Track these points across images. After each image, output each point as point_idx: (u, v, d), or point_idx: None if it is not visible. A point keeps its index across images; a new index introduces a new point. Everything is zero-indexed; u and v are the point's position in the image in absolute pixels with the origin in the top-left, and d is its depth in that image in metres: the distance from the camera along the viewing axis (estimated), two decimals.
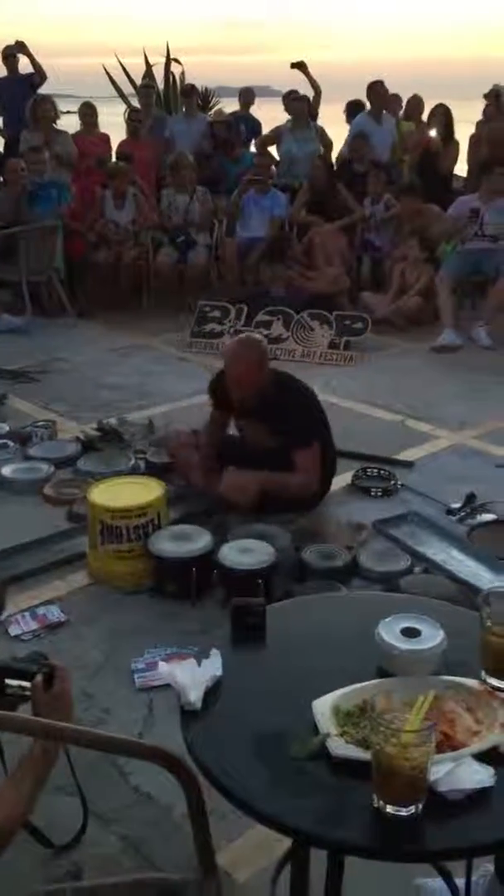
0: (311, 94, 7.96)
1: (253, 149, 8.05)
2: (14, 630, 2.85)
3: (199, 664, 1.46)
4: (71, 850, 2.05)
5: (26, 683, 1.59)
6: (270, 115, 8.41)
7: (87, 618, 2.96)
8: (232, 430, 3.79)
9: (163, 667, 1.47)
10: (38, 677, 1.57)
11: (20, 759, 1.55)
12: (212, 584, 3.04)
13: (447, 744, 1.28)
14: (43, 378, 5.39)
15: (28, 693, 1.59)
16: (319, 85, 8.06)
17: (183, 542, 3.07)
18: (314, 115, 8.01)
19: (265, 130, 8.25)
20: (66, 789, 2.10)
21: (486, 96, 7.70)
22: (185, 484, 3.72)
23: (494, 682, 1.42)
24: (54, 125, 7.35)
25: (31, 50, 7.72)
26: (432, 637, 1.47)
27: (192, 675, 1.41)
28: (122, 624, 2.92)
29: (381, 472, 3.95)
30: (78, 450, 4.21)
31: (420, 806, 1.18)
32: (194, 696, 1.38)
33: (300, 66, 7.96)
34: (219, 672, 1.44)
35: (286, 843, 1.80)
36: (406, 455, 4.24)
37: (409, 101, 8.11)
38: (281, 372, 3.56)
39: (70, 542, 3.39)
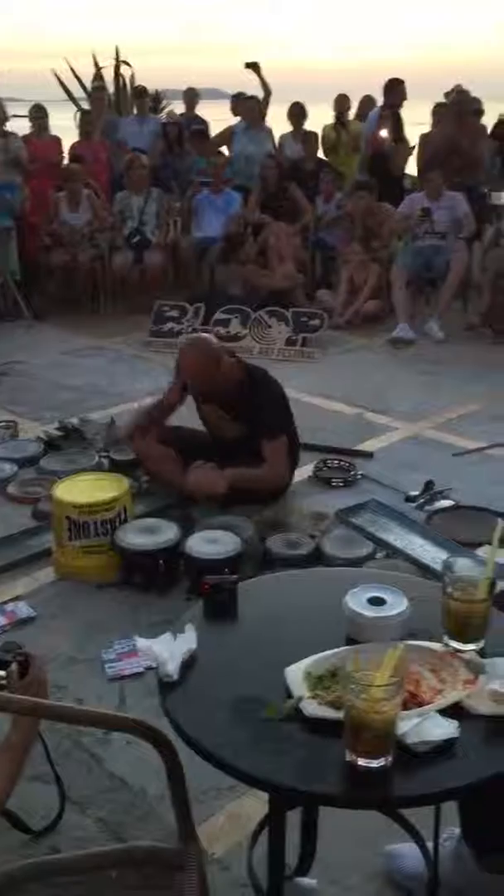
0: (261, 94, 8.04)
1: None
2: None
3: (175, 638, 1.51)
4: (48, 834, 2.08)
5: (1, 672, 1.62)
6: (218, 117, 8.47)
7: (55, 613, 2.99)
8: (184, 423, 3.83)
9: (140, 642, 1.52)
10: (13, 666, 1.60)
11: None
12: (179, 575, 3.09)
13: (413, 702, 1.35)
14: (1, 380, 5.39)
15: (3, 682, 1.62)
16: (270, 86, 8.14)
17: (150, 534, 3.11)
18: (263, 117, 8.09)
19: (213, 132, 8.30)
20: (43, 777, 2.14)
21: (446, 94, 7.80)
22: (148, 479, 3.76)
23: (456, 644, 1.49)
24: (3, 127, 7.31)
25: None
26: (397, 604, 1.54)
27: (168, 648, 1.47)
28: (91, 617, 2.95)
29: (342, 463, 4.04)
30: (40, 449, 4.22)
31: (390, 758, 1.25)
32: (171, 667, 1.43)
33: (253, 66, 8.02)
34: (194, 645, 1.50)
35: (259, 817, 1.86)
36: (365, 446, 4.34)
37: (361, 101, 8.23)
38: (251, 365, 3.62)
39: (36, 540, 3.41)
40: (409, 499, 3.73)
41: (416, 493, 3.76)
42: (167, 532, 3.11)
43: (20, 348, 6.02)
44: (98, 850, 1.50)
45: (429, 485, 3.80)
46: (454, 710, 1.34)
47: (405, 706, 1.32)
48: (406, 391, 5.17)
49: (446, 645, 1.50)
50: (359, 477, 3.95)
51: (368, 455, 4.22)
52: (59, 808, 2.11)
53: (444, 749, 1.27)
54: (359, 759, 1.24)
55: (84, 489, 3.23)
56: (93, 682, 2.63)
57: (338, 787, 1.23)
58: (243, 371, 3.53)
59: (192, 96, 8.61)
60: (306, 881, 1.86)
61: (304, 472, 3.92)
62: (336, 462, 4.04)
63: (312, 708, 1.34)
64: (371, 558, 3.21)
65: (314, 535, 3.33)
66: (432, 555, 3.28)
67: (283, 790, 1.24)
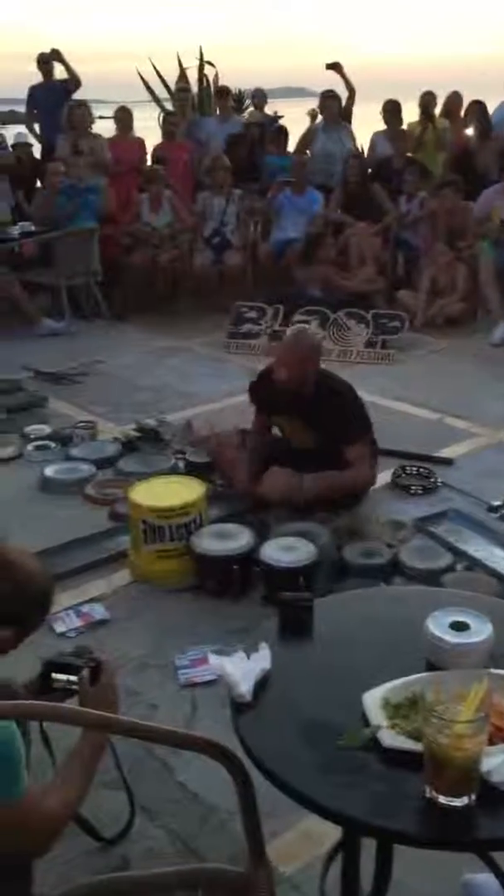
0: (345, 94, 7.96)
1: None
2: (59, 627, 2.89)
3: (248, 657, 1.47)
4: (118, 843, 2.07)
5: (73, 678, 1.61)
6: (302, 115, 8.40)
7: (130, 615, 2.99)
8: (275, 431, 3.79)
9: (213, 659, 1.48)
10: (85, 671, 1.60)
11: (69, 752, 1.57)
12: (253, 581, 3.05)
13: (498, 736, 1.28)
14: (82, 380, 5.45)
15: (75, 687, 1.62)
16: (354, 85, 8.05)
17: (225, 540, 3.09)
18: (348, 115, 8.00)
19: (296, 130, 8.24)
20: (112, 784, 2.12)
21: None
22: (225, 483, 3.74)
23: None
24: (89, 130, 7.41)
25: (65, 57, 7.81)
26: (481, 631, 1.47)
27: (241, 668, 1.43)
28: (165, 621, 2.94)
29: (421, 469, 3.94)
30: (118, 450, 4.25)
31: (473, 797, 1.18)
32: (245, 688, 1.40)
33: (335, 66, 7.95)
34: (268, 665, 1.45)
35: (333, 837, 1.81)
36: (446, 452, 4.23)
37: (447, 98, 8.06)
38: (321, 369, 3.56)
39: (112, 542, 3.43)
40: (490, 509, 3.61)
41: (499, 502, 3.63)
42: (242, 538, 3.08)
43: (100, 348, 6.08)
44: (166, 869, 1.48)
45: None
46: None
47: (491, 741, 1.25)
48: (490, 396, 5.02)
49: None
50: (439, 484, 3.84)
51: (449, 462, 4.11)
52: (129, 817, 2.10)
53: None
54: (440, 796, 1.18)
55: (160, 492, 3.23)
56: (165, 689, 2.62)
57: (416, 825, 1.17)
58: (315, 375, 3.47)
59: (259, 98, 8.60)
60: None
61: (382, 478, 3.83)
62: (415, 469, 3.95)
63: (391, 738, 1.29)
64: (451, 570, 3.11)
65: (392, 544, 3.26)
66: None
67: (358, 825, 1.19)
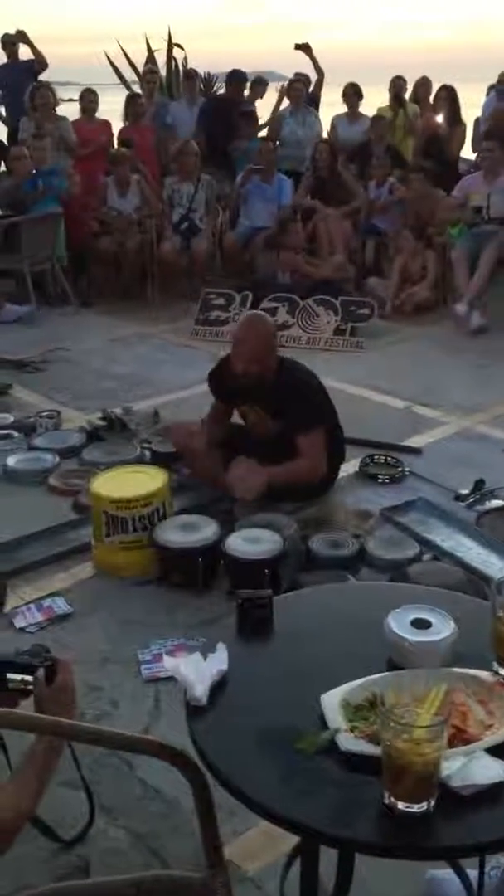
0: (314, 77, 7.89)
1: None
2: (20, 622, 2.84)
3: (205, 658, 1.43)
4: (77, 844, 2.03)
5: (28, 678, 1.56)
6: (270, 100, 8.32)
7: (92, 609, 2.93)
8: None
9: (168, 661, 1.44)
10: (40, 671, 1.55)
11: (24, 755, 1.52)
12: (218, 574, 3.01)
13: (459, 738, 1.25)
14: (47, 368, 5.36)
15: (30, 687, 1.57)
16: (322, 68, 7.98)
17: (189, 531, 3.04)
18: (316, 98, 7.93)
19: (263, 113, 8.16)
20: (72, 783, 2.07)
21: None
22: (190, 473, 3.69)
23: None
24: (54, 112, 7.28)
25: (31, 39, 7.65)
26: (443, 628, 1.44)
27: (197, 670, 1.38)
28: (129, 615, 2.89)
29: (389, 458, 3.92)
30: (83, 440, 4.18)
31: (432, 802, 1.15)
32: (200, 691, 1.35)
33: (304, 47, 7.88)
34: (224, 666, 1.41)
35: (295, 836, 1.78)
36: (413, 441, 4.21)
37: (416, 84, 8.02)
38: (284, 357, 3.51)
39: (75, 533, 3.36)
40: (458, 498, 3.60)
41: (466, 491, 3.63)
42: (206, 530, 3.04)
43: (66, 335, 5.98)
44: (122, 877, 1.43)
45: (479, 483, 3.66)
46: None
47: (451, 743, 1.22)
48: (457, 384, 5.01)
49: (496, 673, 1.39)
50: (406, 473, 3.82)
51: (417, 451, 4.09)
52: (89, 817, 2.06)
53: (493, 794, 1.16)
54: (398, 802, 1.15)
55: (122, 483, 3.17)
56: (128, 684, 2.57)
57: (374, 833, 1.13)
58: (278, 362, 3.42)
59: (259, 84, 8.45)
60: None
61: (349, 467, 3.81)
62: (383, 457, 3.92)
63: (349, 742, 1.25)
64: (417, 560, 3.09)
65: (358, 534, 3.23)
66: (482, 558, 3.16)
67: (315, 834, 1.15)
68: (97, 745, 1.40)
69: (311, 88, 7.85)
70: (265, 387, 3.33)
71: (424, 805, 1.15)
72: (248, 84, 8.06)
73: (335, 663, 1.43)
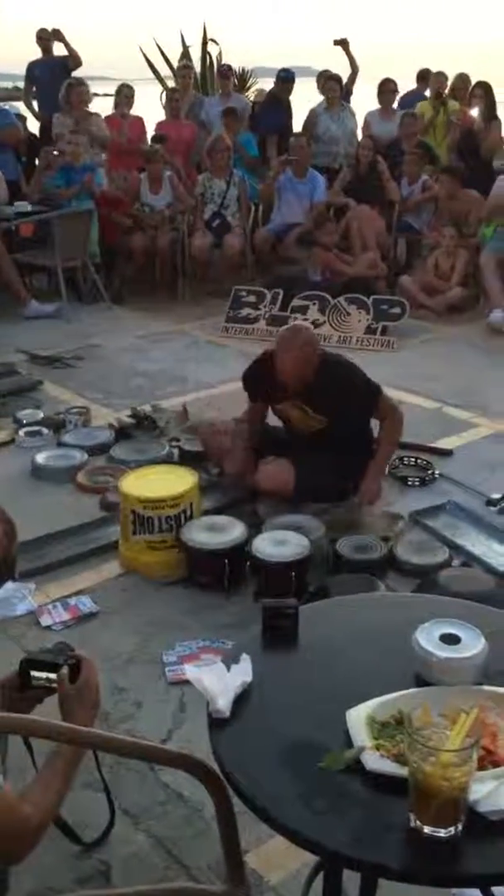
0: (349, 72, 7.83)
1: None
2: (45, 621, 2.83)
3: (229, 669, 1.40)
4: (99, 847, 2.02)
5: (52, 675, 1.56)
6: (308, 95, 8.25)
7: (118, 609, 2.93)
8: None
9: (190, 671, 1.42)
10: (64, 669, 1.54)
11: (49, 755, 1.52)
12: (245, 575, 2.99)
13: (489, 759, 1.21)
14: (77, 364, 5.37)
15: (54, 685, 1.56)
16: (358, 64, 7.92)
17: (216, 532, 3.02)
18: (348, 94, 7.87)
19: (299, 110, 8.10)
20: (95, 786, 2.07)
21: None
22: (219, 472, 3.67)
23: None
24: (88, 108, 7.28)
25: (66, 37, 7.66)
26: (473, 644, 1.40)
27: (220, 681, 1.36)
28: (154, 615, 2.88)
29: (419, 461, 3.87)
30: (111, 437, 4.17)
31: (460, 827, 1.12)
32: (223, 703, 1.33)
33: (342, 43, 7.82)
34: (249, 678, 1.39)
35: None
36: (444, 443, 4.15)
37: (455, 80, 7.92)
38: (324, 352, 3.44)
39: (103, 532, 3.36)
40: (489, 502, 3.54)
41: (498, 496, 3.57)
42: (234, 531, 3.02)
43: (97, 332, 5.99)
44: (139, 888, 1.42)
45: None
46: None
47: (480, 764, 1.18)
48: (491, 385, 4.94)
49: None
50: (436, 476, 3.77)
51: (448, 453, 4.03)
52: (109, 820, 2.04)
53: None
54: (424, 826, 1.11)
55: (151, 483, 3.16)
56: (152, 686, 2.56)
57: (398, 858, 1.10)
58: (320, 359, 3.37)
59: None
60: None
61: None
62: (413, 459, 3.87)
63: (374, 761, 1.22)
64: (447, 565, 3.05)
65: (387, 537, 3.19)
66: None
67: (337, 857, 1.12)
68: (119, 755, 1.39)
69: (344, 83, 7.79)
70: (307, 385, 3.30)
71: (452, 830, 1.11)
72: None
73: (361, 677, 1.40)
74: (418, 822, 1.12)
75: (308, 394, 3.34)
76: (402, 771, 1.17)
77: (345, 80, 7.78)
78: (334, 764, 1.22)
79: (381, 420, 3.46)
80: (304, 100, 8.03)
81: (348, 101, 7.86)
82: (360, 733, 1.27)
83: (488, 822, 1.13)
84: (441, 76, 7.78)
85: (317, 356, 3.29)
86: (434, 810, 1.10)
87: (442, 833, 1.11)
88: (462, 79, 7.92)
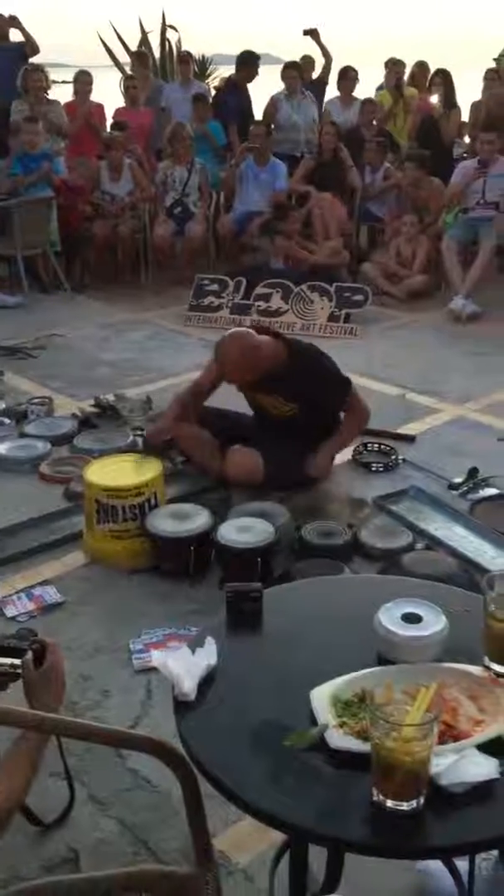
0: (321, 62, 7.86)
1: None
2: (10, 611, 2.82)
3: (193, 652, 1.41)
4: (62, 829, 2.02)
5: (17, 661, 1.55)
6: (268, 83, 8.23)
7: (84, 598, 2.92)
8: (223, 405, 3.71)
9: (156, 655, 1.43)
10: (28, 654, 1.53)
11: (14, 740, 1.51)
12: (210, 563, 3.00)
13: (449, 734, 1.24)
14: (39, 354, 5.32)
15: (19, 671, 1.55)
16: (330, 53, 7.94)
17: (181, 520, 3.02)
18: (323, 83, 7.89)
19: (263, 97, 8.09)
20: (60, 774, 2.07)
21: (495, 59, 7.57)
22: (184, 460, 3.67)
23: (498, 668, 1.37)
24: (46, 95, 7.20)
25: (22, 23, 7.55)
26: (434, 623, 1.42)
27: (185, 665, 1.37)
28: (120, 604, 2.88)
29: (382, 446, 3.90)
30: (75, 427, 4.15)
31: (422, 800, 1.14)
32: (188, 686, 1.34)
33: (312, 33, 7.82)
34: (214, 661, 1.40)
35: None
36: (407, 429, 4.18)
37: (413, 67, 7.96)
38: (291, 341, 3.45)
39: (67, 521, 3.34)
40: (451, 486, 3.59)
41: (460, 480, 3.61)
42: (198, 519, 3.02)
43: (59, 322, 5.94)
44: (108, 872, 1.42)
45: (473, 472, 3.64)
46: (495, 746, 1.22)
47: (441, 738, 1.20)
48: (452, 371, 4.99)
49: (488, 668, 1.38)
50: (400, 462, 3.81)
51: (411, 439, 4.07)
52: (69, 801, 2.05)
53: (484, 792, 1.15)
54: (387, 800, 1.13)
55: (115, 471, 3.15)
56: (119, 674, 2.55)
57: (363, 831, 1.12)
58: (286, 348, 3.38)
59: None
60: None
61: (343, 455, 3.78)
62: (376, 445, 3.90)
63: (338, 738, 1.24)
64: (410, 549, 3.08)
65: (352, 523, 3.21)
66: (475, 546, 3.15)
67: (303, 834, 1.14)
68: (86, 741, 1.39)
69: (318, 74, 7.81)
70: (278, 375, 3.31)
71: (414, 803, 1.13)
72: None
73: (325, 658, 1.42)
74: (381, 797, 1.14)
75: (279, 382, 3.35)
76: (365, 747, 1.19)
77: (318, 71, 7.80)
78: (299, 742, 1.23)
79: (347, 412, 3.51)
80: (265, 88, 8.02)
81: (324, 92, 7.86)
82: (325, 712, 1.29)
83: (449, 794, 1.15)
84: (399, 64, 7.81)
85: (264, 356, 3.29)
86: (396, 784, 1.12)
87: (404, 806, 1.13)
88: (420, 66, 7.96)
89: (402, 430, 4.15)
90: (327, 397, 3.41)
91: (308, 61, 8.03)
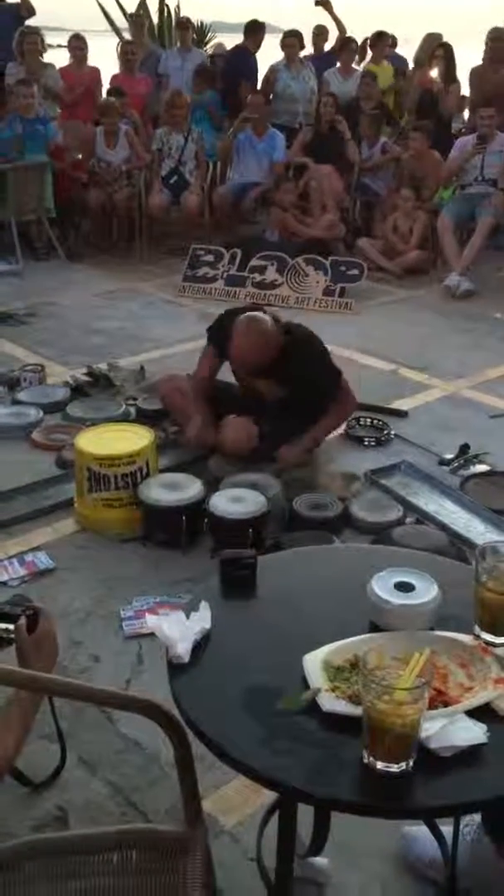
0: (336, 33, 7.79)
1: None
2: (2, 576, 2.83)
3: (188, 617, 1.43)
4: (52, 790, 2.05)
5: (10, 626, 1.56)
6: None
7: (75, 565, 2.93)
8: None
9: (150, 619, 1.43)
10: (22, 620, 1.55)
11: (6, 700, 1.53)
12: (202, 532, 3.01)
13: (439, 700, 1.26)
14: (32, 321, 5.30)
15: (12, 636, 1.57)
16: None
17: (173, 490, 3.03)
18: (335, 56, 7.83)
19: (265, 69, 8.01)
20: (51, 736, 2.09)
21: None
22: (177, 431, 3.67)
23: (488, 637, 1.39)
24: (41, 58, 7.09)
25: None
26: (426, 592, 1.44)
27: (180, 628, 1.38)
28: (111, 572, 2.89)
29: (375, 421, 3.91)
30: (67, 395, 4.14)
31: (411, 763, 1.16)
32: (182, 649, 1.35)
33: (325, 4, 7.73)
34: (207, 625, 1.41)
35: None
36: (400, 404, 4.20)
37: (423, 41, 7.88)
38: (291, 325, 3.42)
39: (59, 489, 3.35)
40: (442, 462, 3.61)
41: (451, 456, 3.63)
42: (191, 488, 3.03)
43: (52, 289, 5.91)
44: (99, 830, 1.45)
45: (464, 448, 3.66)
46: (483, 712, 1.25)
47: (431, 704, 1.22)
48: (446, 347, 5.00)
49: (477, 637, 1.40)
50: (392, 437, 3.82)
51: (403, 414, 4.08)
52: (60, 761, 2.07)
53: (471, 756, 1.17)
54: (378, 761, 1.16)
55: (107, 440, 3.15)
56: (110, 640, 2.58)
57: (352, 792, 1.14)
58: (284, 333, 3.35)
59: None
60: (319, 861, 1.81)
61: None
62: (369, 420, 3.92)
63: (330, 702, 1.25)
64: (400, 523, 3.10)
65: (344, 497, 3.23)
66: (464, 522, 3.18)
67: (294, 793, 1.16)
68: (79, 700, 1.41)
69: (331, 45, 7.73)
70: (275, 362, 3.29)
71: (403, 765, 1.16)
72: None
73: (318, 624, 1.44)
74: (372, 759, 1.16)
75: (273, 370, 3.33)
76: (357, 710, 1.21)
77: (331, 42, 7.72)
78: (291, 705, 1.25)
79: (334, 402, 3.47)
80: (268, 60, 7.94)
81: (334, 65, 7.79)
82: (317, 677, 1.30)
83: (437, 757, 1.18)
84: (386, 36, 7.74)
85: (276, 344, 3.27)
86: (387, 747, 1.14)
87: (394, 768, 1.15)
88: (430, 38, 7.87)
89: (394, 406, 4.16)
90: (318, 386, 3.38)
91: (321, 31, 7.95)
